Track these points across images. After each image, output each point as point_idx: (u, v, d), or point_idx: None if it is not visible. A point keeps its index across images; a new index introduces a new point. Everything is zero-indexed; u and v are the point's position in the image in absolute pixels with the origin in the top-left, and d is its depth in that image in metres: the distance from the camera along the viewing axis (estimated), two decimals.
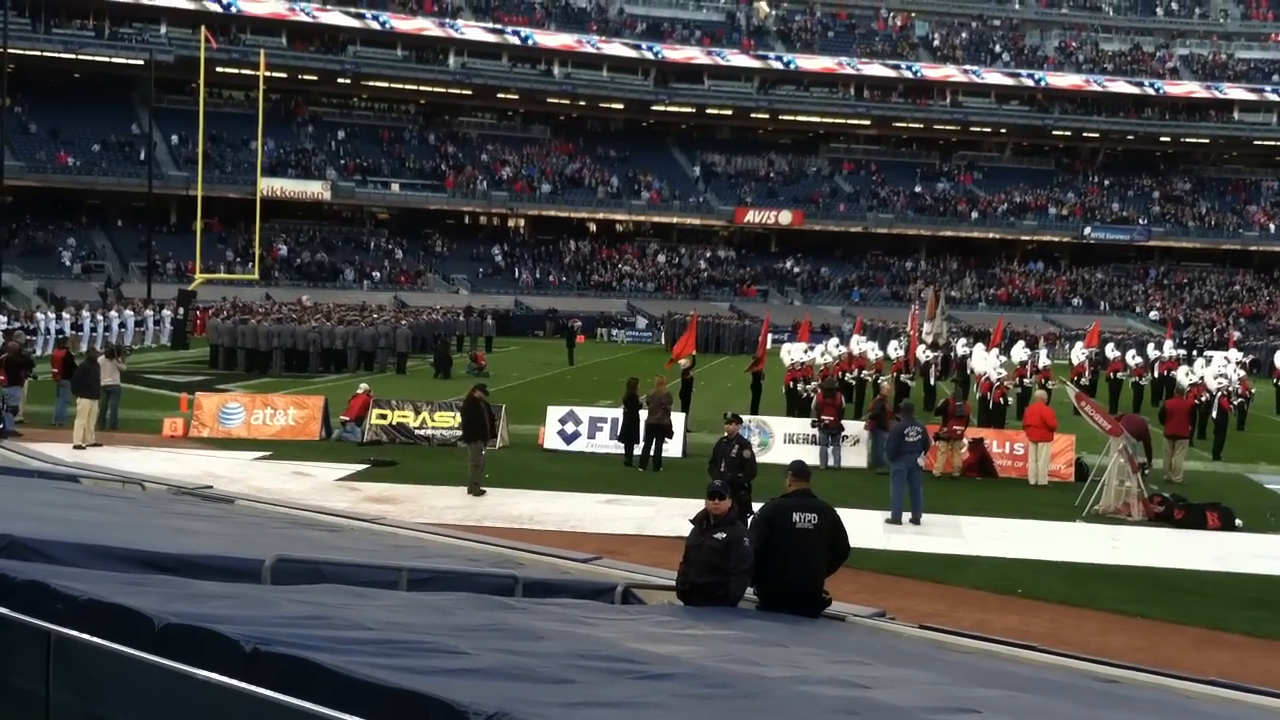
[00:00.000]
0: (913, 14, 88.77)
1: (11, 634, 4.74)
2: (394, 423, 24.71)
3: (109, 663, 4.33)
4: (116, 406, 24.98)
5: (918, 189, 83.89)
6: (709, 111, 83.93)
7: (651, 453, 22.47)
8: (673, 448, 23.15)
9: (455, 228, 77.64)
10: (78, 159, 67.02)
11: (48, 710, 4.63)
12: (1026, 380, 30.11)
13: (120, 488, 12.67)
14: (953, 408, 22.87)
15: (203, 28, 57.79)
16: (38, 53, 66.82)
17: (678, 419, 23.95)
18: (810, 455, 22.07)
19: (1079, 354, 37.26)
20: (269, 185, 62.91)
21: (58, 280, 60.73)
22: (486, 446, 19.98)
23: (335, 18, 73.59)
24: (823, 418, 23.64)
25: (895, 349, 36.76)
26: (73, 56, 69.24)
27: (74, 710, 4.63)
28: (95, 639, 4.25)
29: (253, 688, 4.21)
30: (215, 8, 70.03)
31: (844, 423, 23.95)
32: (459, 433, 24.27)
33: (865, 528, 16.40)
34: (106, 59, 69.87)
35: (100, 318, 43.84)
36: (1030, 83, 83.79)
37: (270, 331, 38.89)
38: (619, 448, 23.25)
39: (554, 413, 24.84)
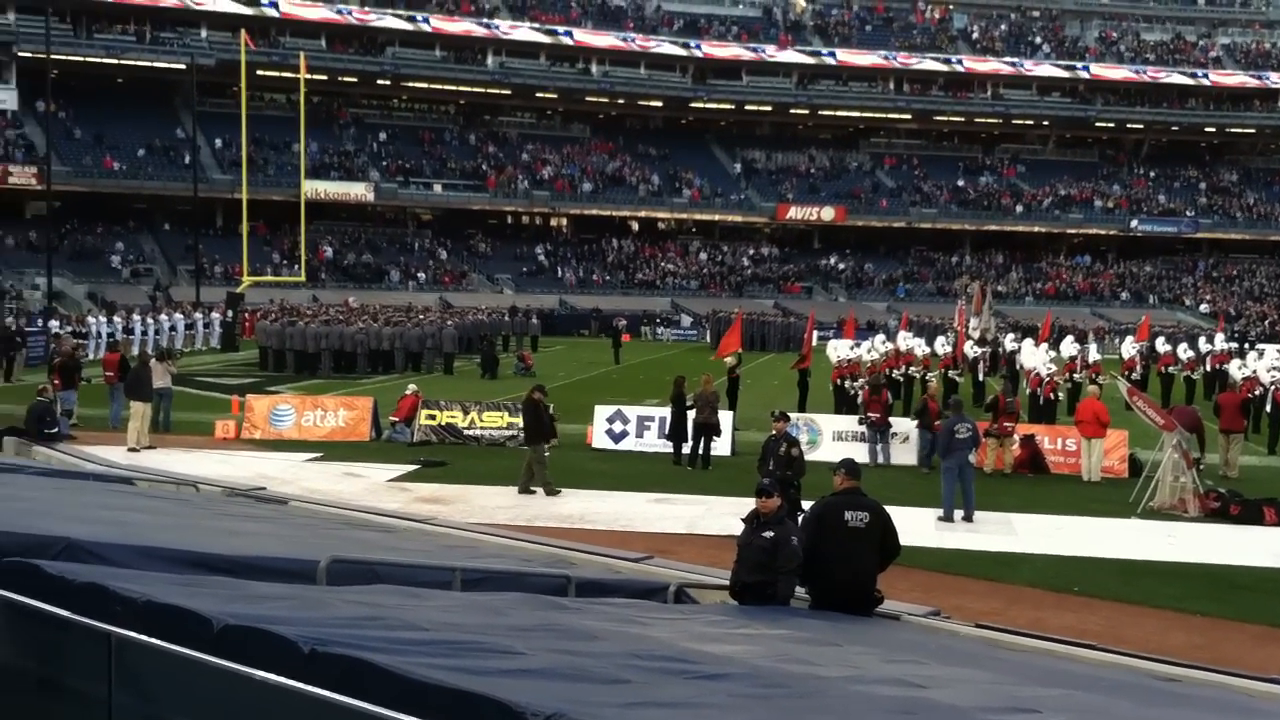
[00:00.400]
0: (951, 6, 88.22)
1: (72, 635, 4.76)
2: (443, 423, 24.78)
3: (169, 664, 4.34)
4: (169, 409, 25.19)
5: (960, 183, 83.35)
6: (748, 108, 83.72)
7: (700, 451, 22.43)
8: (721, 446, 23.08)
9: (498, 227, 77.88)
10: (123, 163, 67.67)
11: (110, 711, 4.65)
12: (1077, 375, 29.85)
13: (174, 490, 12.78)
14: (1003, 404, 22.67)
15: (243, 31, 58.24)
16: (80, 58, 67.52)
17: (725, 417, 23.88)
18: (860, 453, 21.95)
19: (1129, 348, 36.90)
20: (312, 187, 63.30)
21: (107, 284, 61.36)
22: (548, 447, 19.99)
23: (374, 19, 73.96)
24: (869, 415, 23.52)
25: (943, 345, 36.51)
26: (115, 61, 69.89)
27: (134, 711, 4.65)
28: (156, 640, 4.26)
29: (311, 688, 4.22)
30: (255, 11, 70.52)
31: (892, 419, 23.81)
32: (509, 433, 24.45)
33: (917, 526, 16.29)
34: (149, 63, 70.52)
35: (150, 321, 44.24)
36: (1074, 74, 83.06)
37: (318, 333, 39.13)
38: (667, 446, 23.21)
39: (601, 412, 24.83)
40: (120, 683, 4.40)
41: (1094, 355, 31.85)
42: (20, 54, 65.40)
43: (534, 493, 19.15)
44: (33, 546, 6.33)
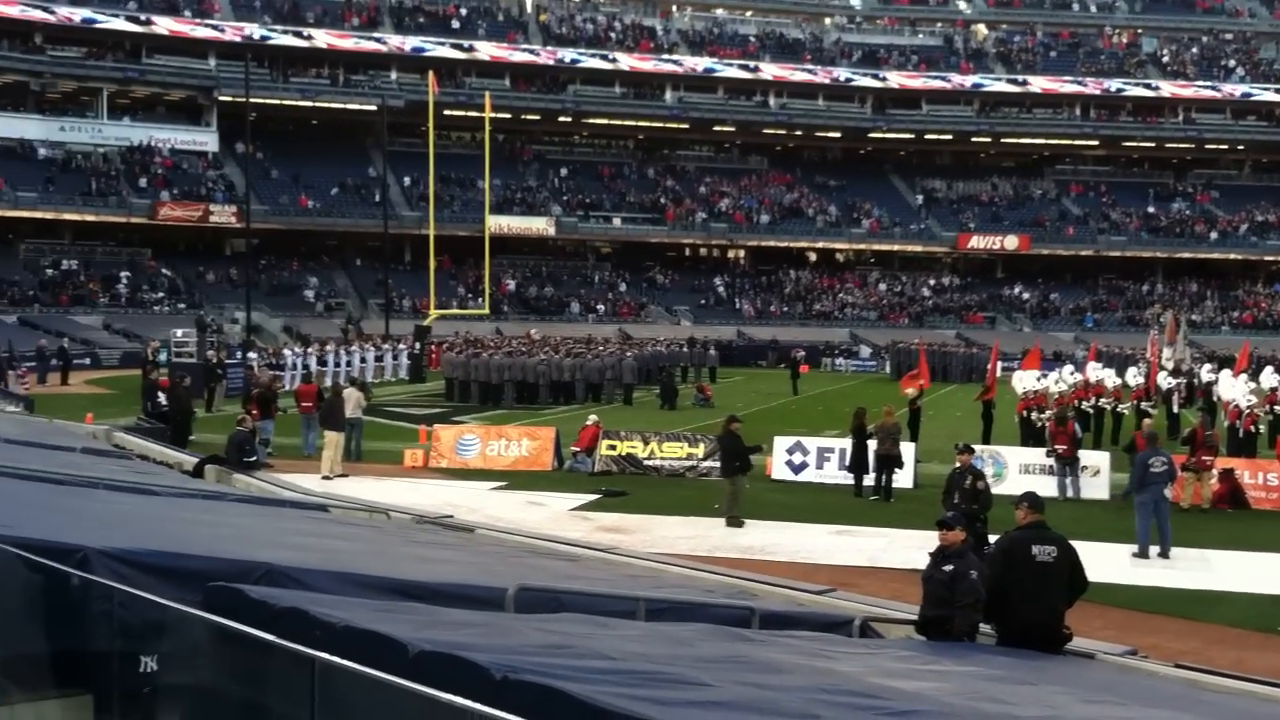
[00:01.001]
0: (1139, 30, 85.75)
1: (276, 659, 4.89)
2: (623, 453, 24.98)
3: (369, 689, 4.44)
4: (360, 438, 25.96)
5: (1151, 209, 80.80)
6: (928, 137, 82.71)
7: (882, 483, 22.16)
8: (903, 478, 22.76)
9: (676, 260, 78.37)
10: (317, 201, 70.19)
11: None
12: (1278, 407, 28.58)
13: (366, 517, 13.11)
14: (1202, 437, 21.85)
15: (430, 73, 59.93)
16: (277, 101, 70.44)
17: (907, 449, 23.55)
18: (1047, 486, 21.39)
19: None
20: (496, 222, 64.67)
21: (302, 318, 63.63)
22: (745, 479, 20.00)
23: (556, 58, 75.36)
24: (1056, 447, 22.91)
25: (1135, 376, 35.34)
26: (310, 104, 72.78)
27: None
28: (357, 666, 4.37)
29: (505, 715, 4.27)
30: (442, 54, 72.53)
31: (1081, 452, 23.15)
32: (689, 463, 24.52)
33: (1110, 562, 15.80)
34: (341, 105, 73.21)
35: (343, 353, 45.63)
36: (1269, 97, 79.84)
37: (501, 365, 39.86)
38: (847, 478, 23.00)
39: (781, 443, 24.71)
40: (322, 707, 4.52)
41: None
42: (220, 98, 68.54)
43: (743, 524, 19.11)
44: (235, 572, 6.55)
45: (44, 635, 5.85)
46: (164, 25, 68.52)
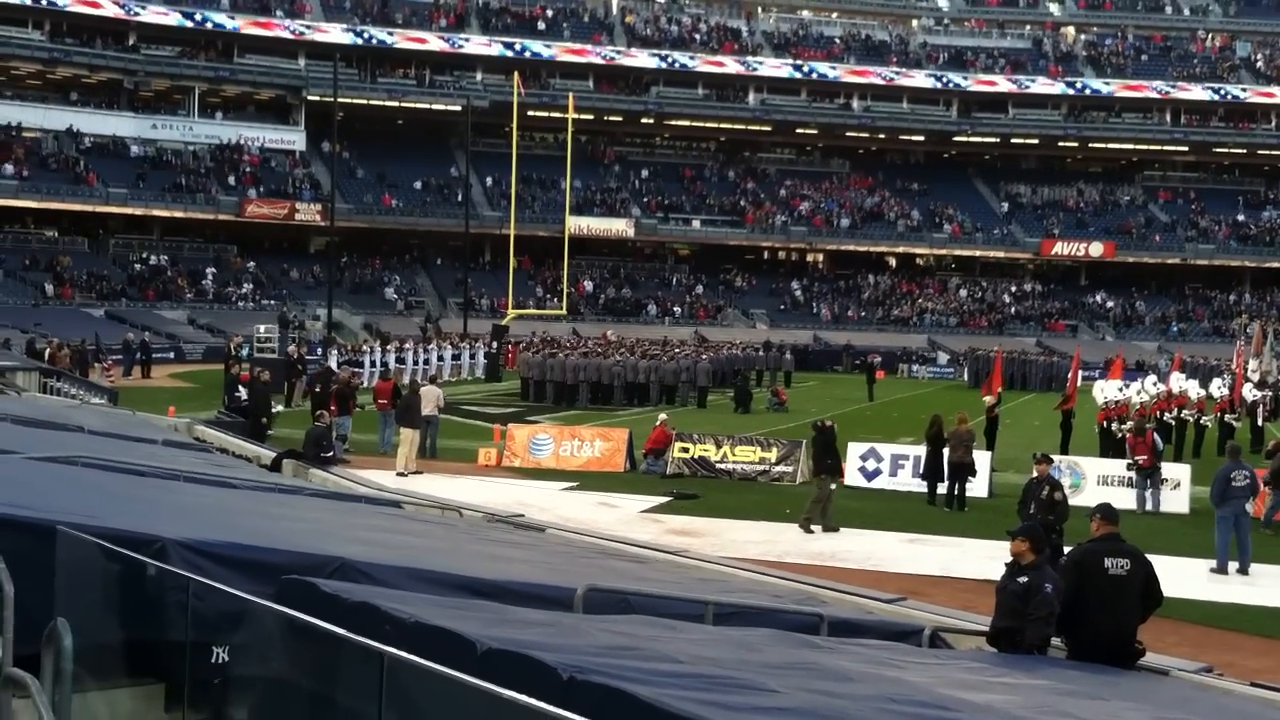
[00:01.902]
0: (1233, 35, 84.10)
1: (346, 653, 4.95)
2: (695, 456, 24.96)
3: (436, 685, 4.47)
4: (435, 436, 26.19)
5: (1241, 217, 79.22)
6: (1013, 141, 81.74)
7: (955, 492, 21.94)
8: (978, 487, 22.52)
9: (754, 263, 78.17)
10: (400, 201, 70.90)
11: None
12: None
13: (439, 514, 13.23)
14: None
15: (515, 74, 60.30)
16: (364, 100, 71.26)
17: (983, 457, 23.30)
18: (1125, 498, 21.06)
19: None
20: (576, 223, 64.91)
21: (382, 316, 64.31)
22: (835, 482, 19.92)
23: (639, 60, 75.52)
24: (1136, 459, 22.54)
25: (1219, 387, 34.69)
26: (396, 104, 73.52)
27: None
28: (427, 662, 4.41)
29: (572, 715, 4.28)
30: (527, 55, 73.00)
31: (1162, 464, 22.76)
32: (761, 468, 24.46)
33: (1187, 577, 15.54)
34: (427, 105, 73.89)
35: (421, 352, 46.03)
36: None
37: (577, 365, 40.00)
38: (921, 486, 22.81)
39: (855, 449, 24.56)
40: (390, 702, 4.57)
41: None
42: (309, 98, 69.48)
43: (836, 529, 19.02)
44: (309, 566, 6.65)
45: (119, 624, 5.98)
46: (255, 26, 69.59)
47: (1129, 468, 22.79)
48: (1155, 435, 23.51)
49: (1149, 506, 21.93)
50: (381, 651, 4.52)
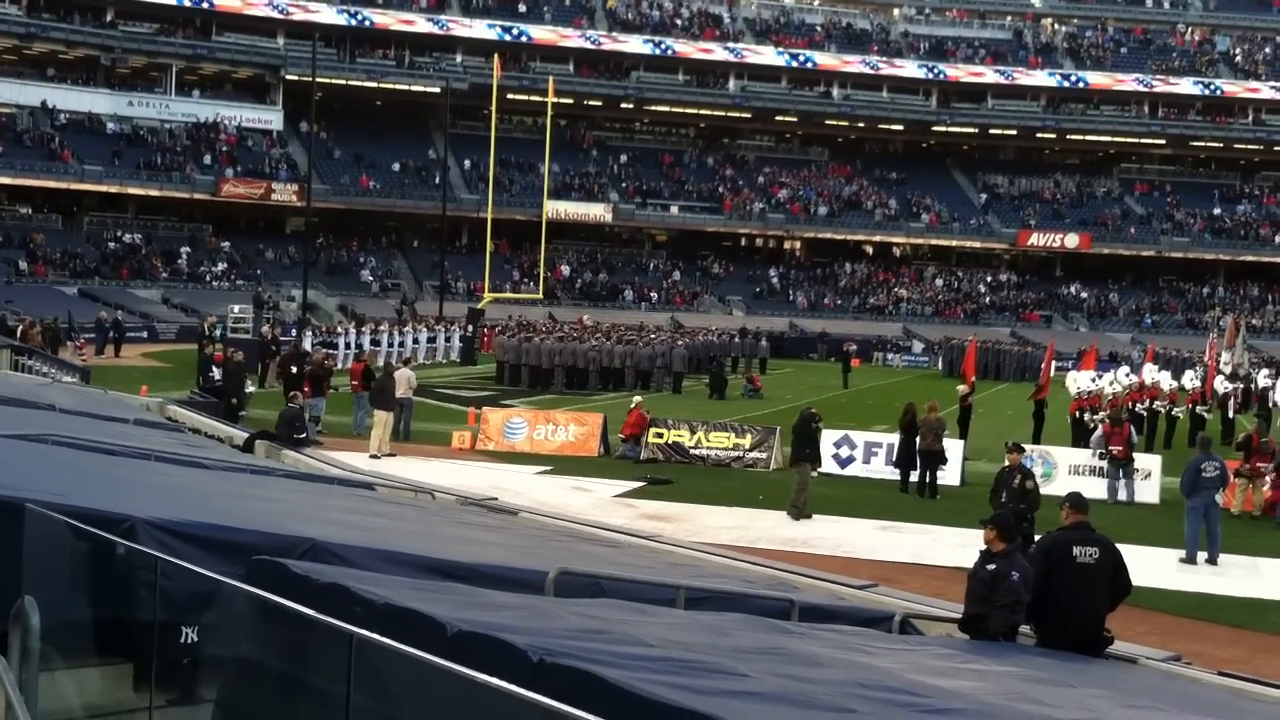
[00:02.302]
0: (1213, 29, 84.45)
1: (316, 635, 4.93)
2: (670, 441, 25.00)
3: (406, 667, 4.47)
4: (409, 419, 26.14)
5: (1216, 211, 79.67)
6: (992, 132, 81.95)
7: (926, 479, 22.04)
8: (950, 476, 22.64)
9: (732, 249, 78.21)
10: (378, 182, 70.63)
11: (347, 712, 4.82)
12: None
13: (412, 496, 13.20)
14: (1257, 443, 21.56)
15: (496, 56, 60.09)
16: (343, 81, 70.90)
17: (956, 446, 23.41)
18: (1096, 488, 21.19)
19: None
20: (554, 208, 64.83)
21: (358, 297, 64.12)
22: (814, 470, 19.97)
23: (620, 44, 75.33)
24: (1110, 449, 22.67)
25: (1191, 379, 34.94)
26: (375, 85, 73.16)
27: (370, 712, 4.79)
28: (395, 643, 4.40)
29: (540, 698, 4.28)
30: (508, 37, 72.72)
31: (1135, 455, 22.90)
32: (735, 454, 24.50)
33: (1157, 567, 15.66)
34: (406, 87, 73.60)
35: (396, 334, 45.88)
36: None
37: (553, 349, 39.96)
38: (894, 473, 22.90)
39: (829, 436, 24.56)
40: (359, 683, 4.56)
41: None
42: (287, 77, 69.10)
43: (810, 517, 19.08)
44: (280, 546, 6.62)
45: (88, 603, 5.94)
46: (234, 3, 69.12)
47: (1100, 457, 22.91)
48: (1130, 426, 23.65)
49: (1121, 496, 22.06)
50: (351, 633, 4.51)
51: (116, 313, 49.33)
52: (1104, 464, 22.72)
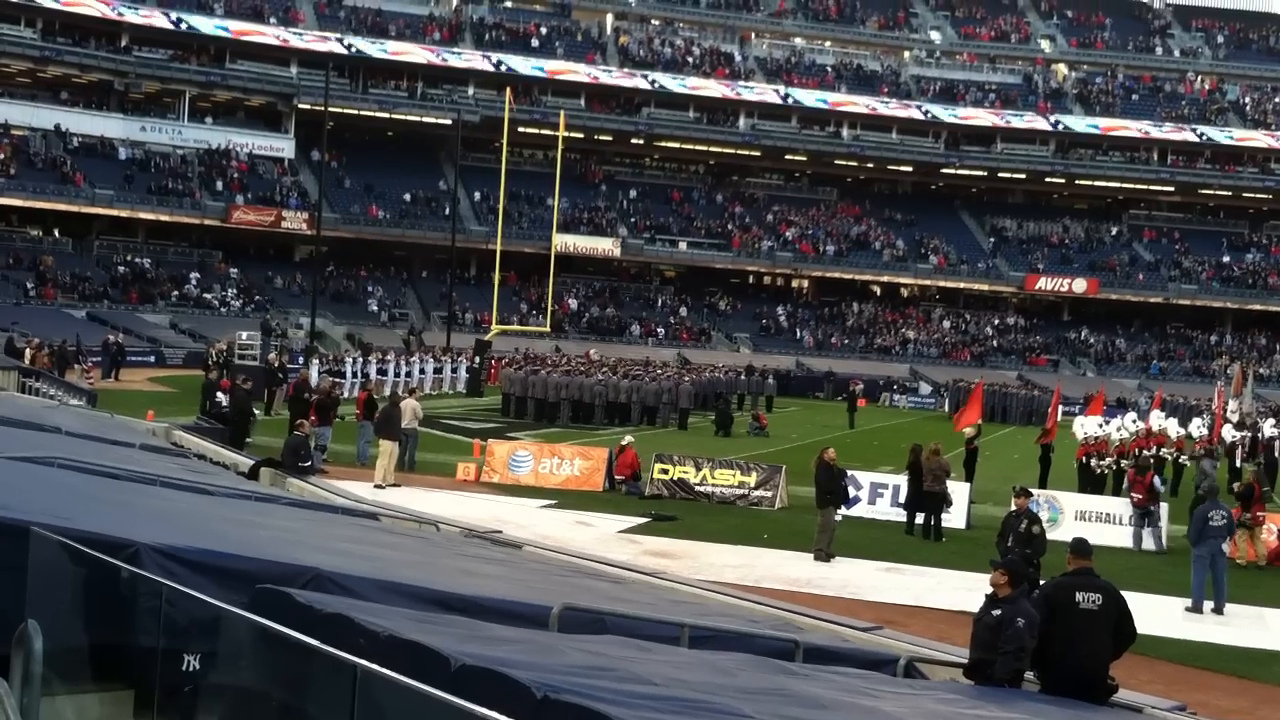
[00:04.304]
0: (1222, 78, 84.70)
1: (318, 664, 4.91)
2: (675, 478, 24.94)
3: (409, 700, 4.45)
4: (414, 449, 26.11)
5: (1225, 259, 79.69)
6: (1001, 175, 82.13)
7: (930, 522, 21.97)
8: (956, 519, 22.56)
9: (739, 286, 78.29)
10: (388, 212, 70.84)
11: None
12: None
13: (416, 527, 13.18)
14: (1259, 492, 21.45)
15: (508, 90, 60.35)
16: (355, 111, 71.25)
17: (962, 489, 23.35)
18: (1102, 533, 21.07)
19: None
20: (562, 241, 64.92)
21: (365, 326, 64.20)
22: (839, 511, 19.88)
23: (631, 80, 75.66)
24: (1133, 496, 22.54)
25: (1199, 427, 34.84)
26: (387, 115, 73.48)
27: None
28: (398, 676, 4.38)
29: None
30: (520, 70, 73.06)
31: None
32: (740, 491, 24.43)
33: (1162, 615, 15.57)
34: (418, 118, 73.91)
35: (403, 364, 45.90)
36: None
37: (559, 383, 39.95)
38: (900, 515, 22.82)
39: None
40: (362, 716, 4.54)
41: None
42: (300, 106, 69.40)
43: (830, 559, 18.98)
44: (284, 575, 6.61)
45: (90, 628, 5.92)
46: (248, 32, 69.54)
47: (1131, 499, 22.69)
48: (1154, 475, 23.46)
49: (1148, 544, 21.91)
50: (354, 664, 4.49)
51: (119, 335, 49.40)
52: (1130, 511, 22.51)
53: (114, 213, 64.16)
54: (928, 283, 78.51)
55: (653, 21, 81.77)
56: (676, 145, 79.32)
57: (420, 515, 14.29)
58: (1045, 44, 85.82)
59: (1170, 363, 74.60)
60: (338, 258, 68.60)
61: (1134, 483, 22.66)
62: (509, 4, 79.59)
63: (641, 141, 78.45)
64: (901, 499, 23.02)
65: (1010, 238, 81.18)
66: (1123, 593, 9.23)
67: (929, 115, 78.46)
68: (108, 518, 7.55)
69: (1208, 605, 16.96)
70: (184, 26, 68.05)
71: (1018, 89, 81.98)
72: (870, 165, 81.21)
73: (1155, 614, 15.09)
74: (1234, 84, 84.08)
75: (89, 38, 66.62)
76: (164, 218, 65.37)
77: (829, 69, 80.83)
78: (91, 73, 66.90)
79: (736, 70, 78.86)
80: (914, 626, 13.45)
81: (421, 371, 46.58)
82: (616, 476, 25.32)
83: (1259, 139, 79.09)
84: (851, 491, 22.00)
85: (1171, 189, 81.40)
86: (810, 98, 77.55)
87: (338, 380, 36.51)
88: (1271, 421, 38.86)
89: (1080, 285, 76.55)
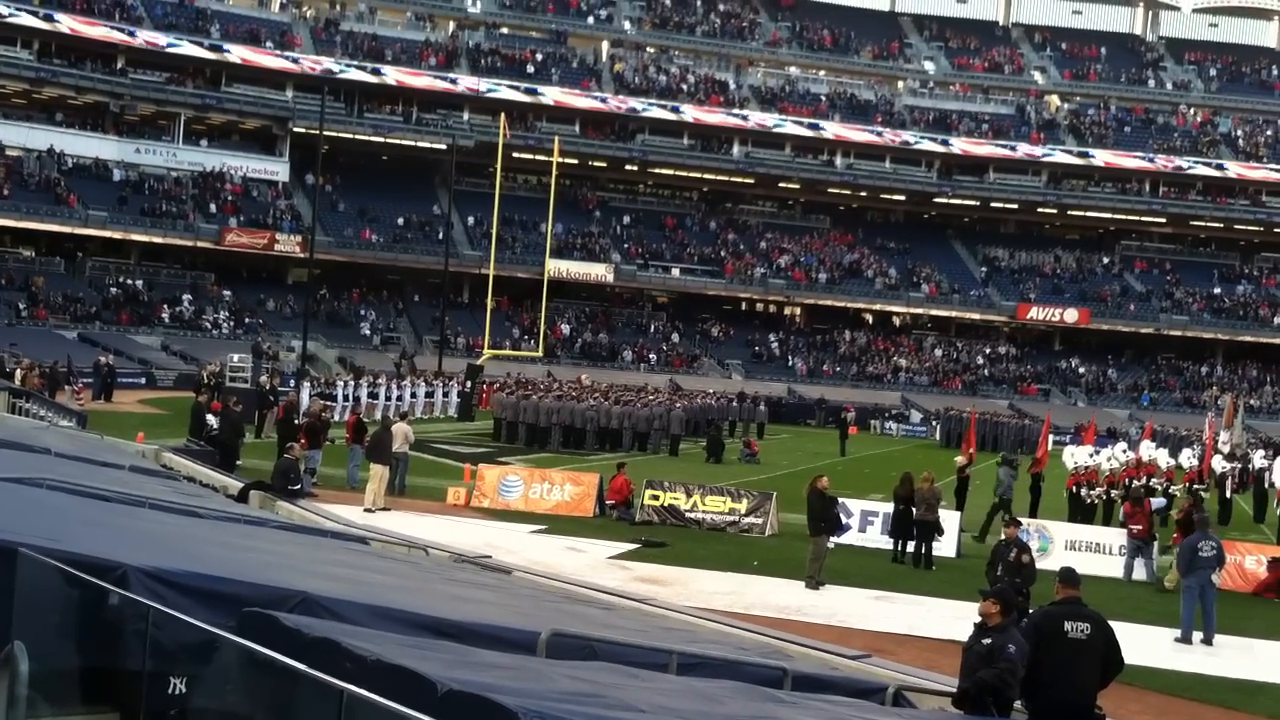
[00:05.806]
0: (1215, 110, 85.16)
1: (304, 689, 4.90)
2: (665, 504, 24.92)
3: None
4: (404, 473, 26.06)
5: (1216, 290, 79.96)
6: (993, 205, 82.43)
7: (921, 550, 21.97)
8: (946, 547, 22.56)
9: (732, 313, 78.39)
10: (381, 236, 70.90)
11: None
12: None
13: (405, 552, 13.16)
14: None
15: (502, 115, 60.49)
16: (350, 135, 71.41)
17: (952, 518, 23.36)
18: (1092, 563, 21.07)
19: None
20: (556, 266, 65.03)
21: (357, 350, 64.14)
22: (831, 539, 19.87)
23: (626, 107, 75.90)
24: (1131, 527, 22.55)
25: (1189, 458, 34.89)
26: (381, 140, 73.66)
27: None
28: (385, 700, 4.38)
29: None
30: (515, 96, 73.28)
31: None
32: (731, 518, 24.42)
33: (1152, 645, 15.56)
34: (412, 143, 74.06)
35: (395, 387, 45.87)
36: None
37: (551, 408, 39.94)
38: (889, 543, 22.81)
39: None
40: None
41: None
42: (295, 129, 69.56)
43: (820, 586, 18.96)
44: (272, 599, 6.60)
45: (77, 650, 5.90)
46: (244, 55, 69.71)
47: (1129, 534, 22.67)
48: (1151, 504, 23.45)
49: (1143, 575, 21.88)
50: (341, 689, 4.49)
51: (109, 357, 49.31)
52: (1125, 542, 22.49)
53: (107, 234, 64.14)
54: (920, 311, 78.68)
55: (648, 49, 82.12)
56: (670, 172, 79.57)
57: (410, 540, 14.26)
58: (1038, 75, 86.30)
59: (1161, 393, 74.76)
60: (330, 281, 68.59)
61: (1131, 515, 22.64)
62: (505, 30, 79.96)
63: (635, 168, 78.67)
64: (890, 527, 22.98)
65: (1002, 267, 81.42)
66: (1111, 623, 9.24)
67: (922, 145, 78.78)
68: (96, 539, 7.54)
69: (1197, 636, 16.97)
70: (180, 50, 68.14)
71: (1010, 120, 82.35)
72: (863, 194, 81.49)
73: (1144, 644, 15.09)
74: (1226, 117, 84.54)
75: (85, 60, 66.72)
76: (157, 240, 65.35)
77: (823, 98, 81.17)
78: (87, 94, 67.00)
79: (731, 98, 79.16)
80: (903, 655, 13.43)
81: (413, 395, 46.56)
82: (608, 502, 25.30)
83: (1250, 171, 79.44)
84: (841, 519, 22.03)
85: (1163, 220, 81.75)
86: (804, 126, 77.83)
87: (328, 404, 36.43)
88: (1262, 453, 38.97)
89: (1072, 315, 76.73)
